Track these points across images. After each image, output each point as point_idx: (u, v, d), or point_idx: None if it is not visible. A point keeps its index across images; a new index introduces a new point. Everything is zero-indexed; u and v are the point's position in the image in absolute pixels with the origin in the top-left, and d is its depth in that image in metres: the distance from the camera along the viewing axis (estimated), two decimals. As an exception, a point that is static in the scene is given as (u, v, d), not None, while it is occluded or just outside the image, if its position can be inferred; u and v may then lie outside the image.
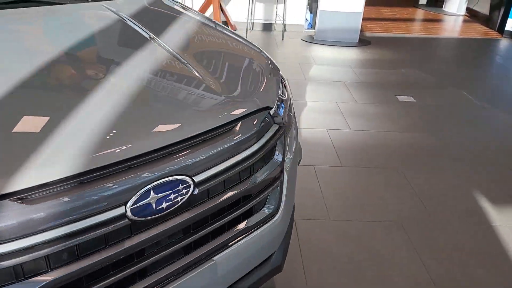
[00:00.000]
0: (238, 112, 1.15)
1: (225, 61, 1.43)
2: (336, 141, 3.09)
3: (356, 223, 2.22)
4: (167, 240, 1.03)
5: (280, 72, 1.58)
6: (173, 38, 1.48)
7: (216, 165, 1.06)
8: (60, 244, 0.82)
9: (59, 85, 1.05)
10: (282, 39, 5.85)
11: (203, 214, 1.06)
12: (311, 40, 5.86)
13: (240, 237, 1.19)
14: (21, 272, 0.80)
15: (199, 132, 1.03)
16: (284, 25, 6.09)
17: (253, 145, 1.16)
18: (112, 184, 0.87)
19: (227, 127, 1.11)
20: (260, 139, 1.19)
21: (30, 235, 0.78)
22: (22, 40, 1.27)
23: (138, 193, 0.90)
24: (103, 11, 1.58)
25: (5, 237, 0.76)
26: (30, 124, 0.89)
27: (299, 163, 1.72)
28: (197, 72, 1.26)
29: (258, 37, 5.87)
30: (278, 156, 1.31)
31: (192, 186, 0.99)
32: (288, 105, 1.51)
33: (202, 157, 1.02)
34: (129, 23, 1.51)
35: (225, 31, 1.74)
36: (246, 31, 5.95)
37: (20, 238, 0.77)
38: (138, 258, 0.97)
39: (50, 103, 0.97)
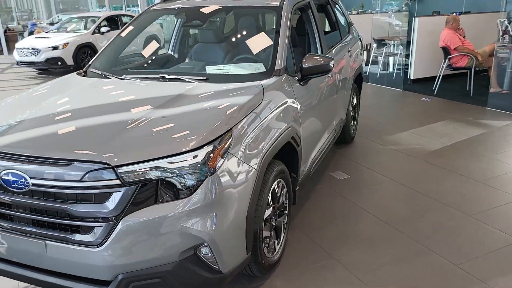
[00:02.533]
0: (70, 155, 1.85)
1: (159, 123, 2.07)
2: None
3: None
4: (25, 209, 1.91)
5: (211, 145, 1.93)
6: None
7: (48, 180, 1.84)
8: None
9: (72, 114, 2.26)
10: None
11: (34, 205, 1.88)
12: None
13: (61, 240, 1.86)
14: None
15: (39, 155, 1.87)
16: None
17: (72, 182, 1.80)
18: None
19: (63, 161, 1.83)
20: (79, 182, 1.79)
21: None
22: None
23: (3, 171, 1.89)
24: (180, 87, 2.49)
25: None
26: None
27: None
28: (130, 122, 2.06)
29: None
30: (108, 204, 1.79)
31: (30, 183, 1.85)
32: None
33: (39, 170, 1.85)
34: (174, 97, 2.32)
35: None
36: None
37: None
38: (8, 207, 1.96)
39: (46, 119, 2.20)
